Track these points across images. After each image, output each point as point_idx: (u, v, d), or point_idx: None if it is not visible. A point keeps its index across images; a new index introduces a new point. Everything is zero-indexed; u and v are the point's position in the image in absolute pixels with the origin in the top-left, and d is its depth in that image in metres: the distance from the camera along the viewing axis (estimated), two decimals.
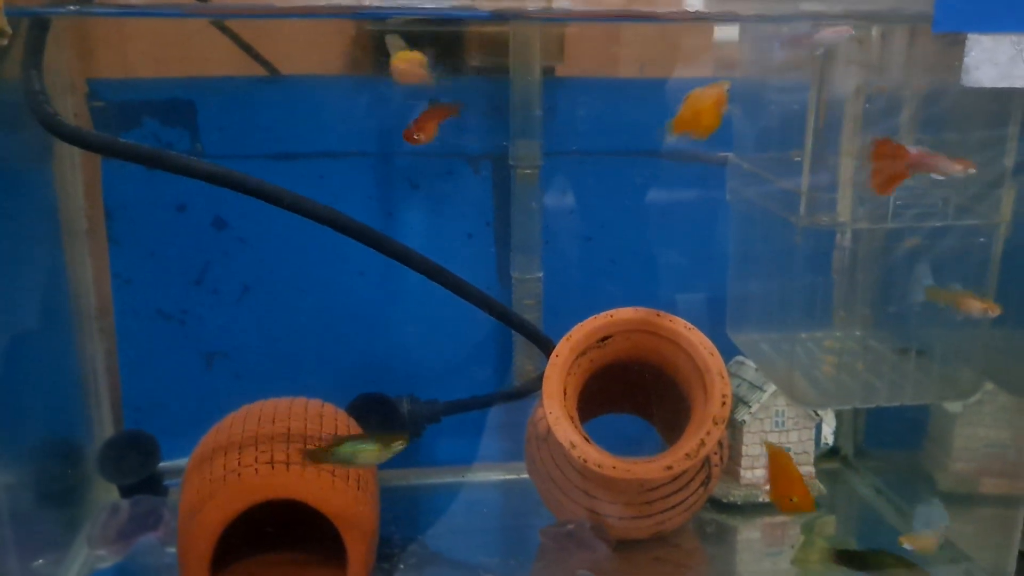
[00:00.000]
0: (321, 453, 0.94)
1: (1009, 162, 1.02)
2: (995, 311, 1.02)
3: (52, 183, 1.15)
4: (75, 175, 1.17)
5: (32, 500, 1.05)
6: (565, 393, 1.09)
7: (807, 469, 1.25)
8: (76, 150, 1.16)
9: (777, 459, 1.08)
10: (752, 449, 1.23)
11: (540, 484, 1.16)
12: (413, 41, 1.19)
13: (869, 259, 1.13)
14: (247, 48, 1.18)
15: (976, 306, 1.03)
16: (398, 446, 0.89)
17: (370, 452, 0.91)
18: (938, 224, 1.04)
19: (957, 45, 0.92)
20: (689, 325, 1.12)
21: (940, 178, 0.95)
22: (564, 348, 1.11)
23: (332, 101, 1.22)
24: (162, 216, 1.22)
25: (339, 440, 0.91)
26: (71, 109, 1.15)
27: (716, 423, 1.06)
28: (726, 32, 1.21)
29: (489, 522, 1.25)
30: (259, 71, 1.20)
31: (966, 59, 0.89)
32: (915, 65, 1.05)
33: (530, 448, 1.17)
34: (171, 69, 1.19)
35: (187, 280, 1.25)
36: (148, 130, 1.19)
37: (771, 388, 1.21)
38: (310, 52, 1.21)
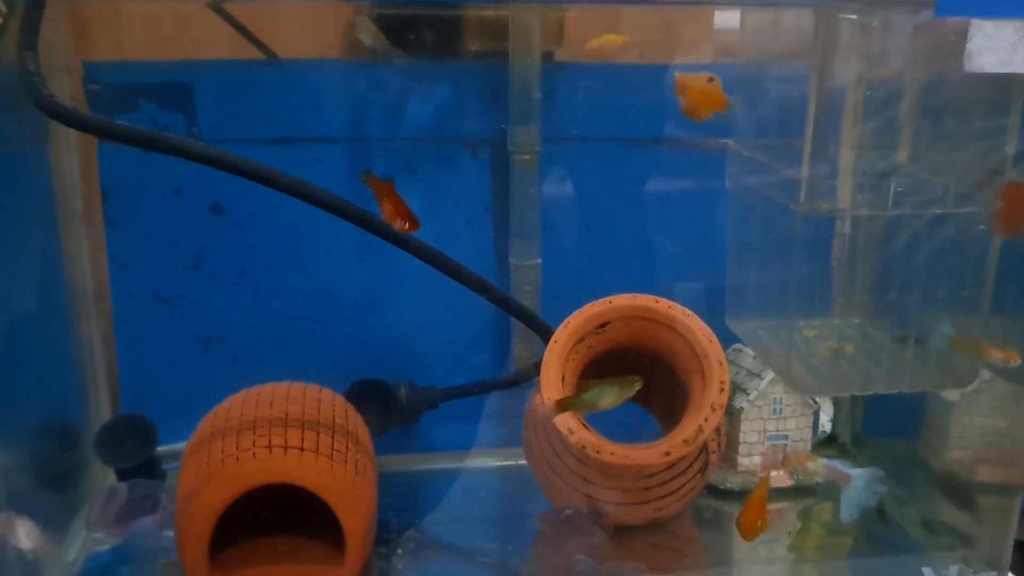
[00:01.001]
0: (569, 400, 1.00)
1: (1010, 150, 1.02)
2: (1016, 360, 1.04)
3: (48, 165, 1.14)
4: (71, 157, 1.16)
5: (29, 483, 1.05)
6: (563, 379, 1.09)
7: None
8: (72, 132, 1.15)
9: (762, 491, 1.07)
10: (750, 436, 1.23)
11: (537, 470, 1.16)
12: (411, 25, 1.18)
13: (869, 246, 1.13)
14: (244, 31, 1.17)
15: (998, 355, 1.05)
16: (636, 387, 0.95)
17: (612, 395, 0.96)
18: (938, 212, 1.04)
19: (959, 31, 0.92)
20: (688, 312, 1.12)
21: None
22: (562, 334, 1.11)
23: (330, 85, 1.21)
24: (159, 199, 1.21)
25: (585, 386, 0.97)
26: (67, 91, 1.14)
27: (714, 409, 1.06)
28: (727, 19, 1.21)
29: (487, 508, 1.25)
30: (256, 55, 1.19)
31: (968, 45, 0.88)
32: (917, 52, 1.04)
33: (528, 434, 1.17)
34: (168, 52, 1.17)
35: (184, 264, 1.24)
36: (144, 113, 1.18)
37: (769, 376, 1.21)
38: (308, 36, 1.20)
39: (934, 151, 1.07)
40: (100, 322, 1.23)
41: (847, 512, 1.04)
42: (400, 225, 0.91)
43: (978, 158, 1.03)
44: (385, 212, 0.91)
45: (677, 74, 0.95)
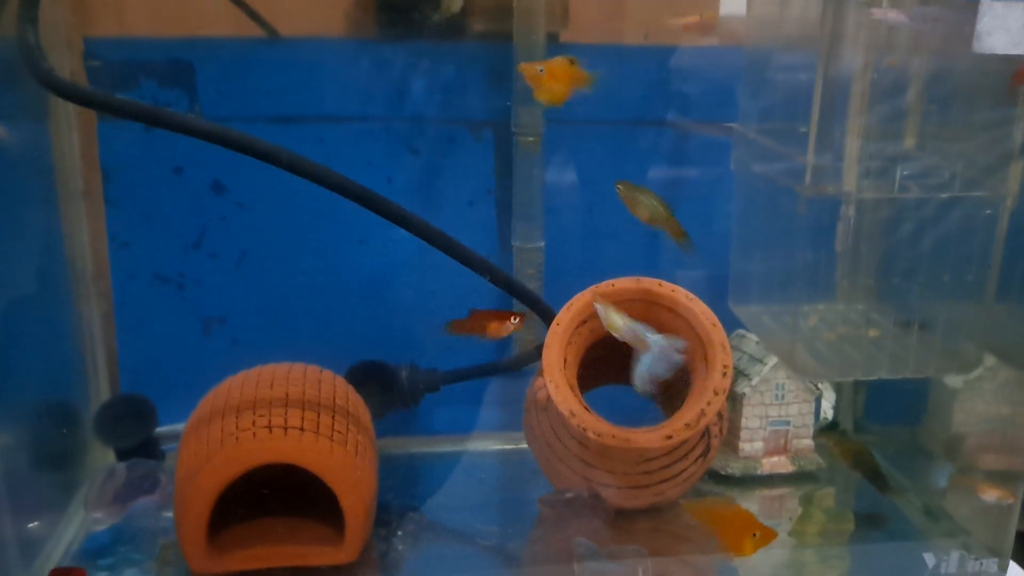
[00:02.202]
0: None
1: (1019, 135, 1.01)
2: (1009, 499, 1.07)
3: (48, 143, 1.14)
4: (71, 135, 1.15)
5: (28, 462, 1.05)
6: (565, 362, 1.08)
7: (806, 442, 1.25)
8: (72, 109, 1.14)
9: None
10: (751, 422, 1.23)
11: (539, 453, 1.16)
12: (416, 5, 1.17)
13: (874, 231, 1.12)
14: (246, 8, 1.16)
15: (993, 493, 1.08)
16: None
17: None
18: (944, 196, 1.03)
19: (968, 12, 0.91)
20: (691, 295, 1.11)
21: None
22: (565, 317, 1.10)
23: (332, 64, 1.20)
24: (159, 178, 1.20)
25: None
26: (67, 68, 1.13)
27: (717, 394, 1.05)
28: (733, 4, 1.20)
29: (487, 491, 1.24)
30: (258, 32, 1.18)
31: (978, 25, 0.88)
32: (924, 35, 1.03)
33: (529, 417, 1.16)
34: (169, 29, 1.17)
35: (185, 244, 1.23)
36: (146, 90, 1.17)
37: (772, 361, 1.21)
38: (310, 14, 1.19)
39: (941, 138, 1.07)
40: (100, 301, 1.22)
41: (640, 379, 0.95)
42: (512, 321, 1.07)
43: (985, 145, 1.03)
44: (496, 327, 1.06)
45: (537, 64, 0.98)
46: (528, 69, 0.98)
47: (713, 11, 1.20)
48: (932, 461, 1.22)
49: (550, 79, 0.98)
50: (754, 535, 0.99)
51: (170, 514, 1.01)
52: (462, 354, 1.29)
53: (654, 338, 0.94)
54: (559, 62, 0.98)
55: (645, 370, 0.94)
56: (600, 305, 0.98)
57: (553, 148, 1.25)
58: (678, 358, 0.94)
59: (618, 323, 0.97)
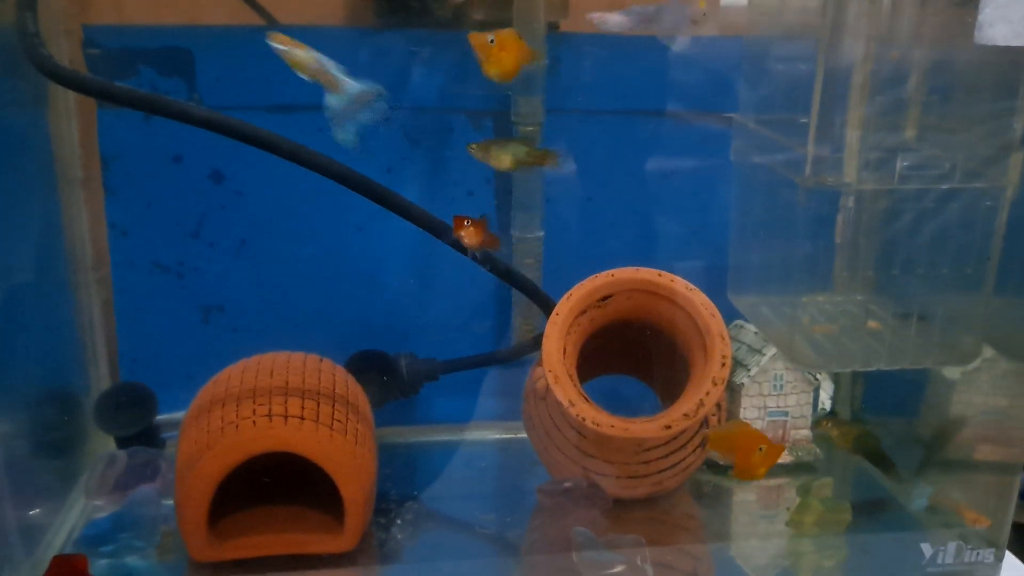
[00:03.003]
0: None
1: (1019, 126, 1.01)
2: (984, 524, 1.08)
3: (47, 131, 1.14)
4: (70, 123, 1.15)
5: (29, 450, 1.05)
6: (564, 352, 1.08)
7: (804, 433, 1.25)
8: (72, 97, 1.14)
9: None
10: (750, 412, 1.23)
11: (537, 442, 1.16)
12: None
13: (873, 222, 1.12)
14: None
15: (972, 517, 1.10)
16: None
17: None
18: (944, 187, 1.03)
19: (968, 5, 0.91)
20: (690, 286, 1.11)
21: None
22: (564, 307, 1.10)
23: (332, 53, 1.19)
24: (159, 167, 1.20)
25: None
26: (66, 56, 1.13)
27: (715, 384, 1.05)
28: None
29: (486, 480, 1.25)
30: (257, 20, 1.18)
31: (980, 16, 0.87)
32: (926, 26, 1.03)
33: (528, 406, 1.17)
34: (168, 16, 1.16)
35: (184, 232, 1.23)
36: (145, 79, 1.17)
37: (770, 352, 1.21)
38: (309, 2, 1.19)
39: (941, 130, 1.06)
40: (99, 289, 1.23)
41: (333, 123, 0.86)
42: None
43: (986, 136, 1.02)
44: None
45: (487, 34, 0.93)
46: (477, 38, 0.92)
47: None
48: (929, 453, 1.22)
49: (499, 49, 0.94)
50: (760, 449, 1.00)
51: (170, 502, 1.01)
52: (461, 343, 1.29)
53: (346, 79, 0.86)
54: (508, 33, 0.93)
55: (338, 112, 0.86)
56: (277, 43, 0.85)
57: (552, 138, 1.25)
58: (376, 104, 0.88)
59: (303, 58, 0.86)
